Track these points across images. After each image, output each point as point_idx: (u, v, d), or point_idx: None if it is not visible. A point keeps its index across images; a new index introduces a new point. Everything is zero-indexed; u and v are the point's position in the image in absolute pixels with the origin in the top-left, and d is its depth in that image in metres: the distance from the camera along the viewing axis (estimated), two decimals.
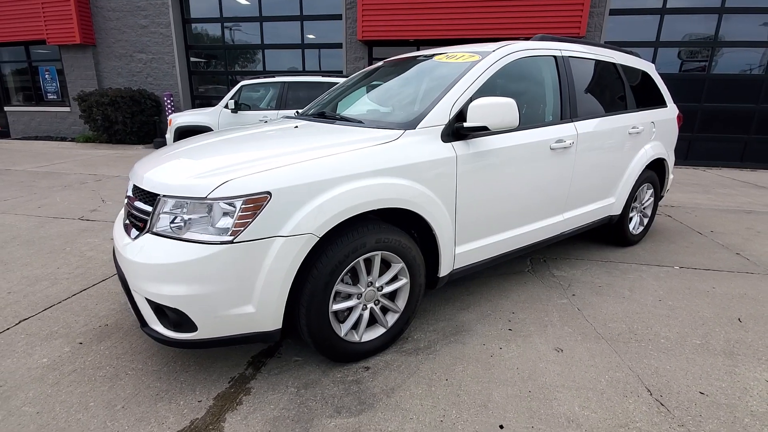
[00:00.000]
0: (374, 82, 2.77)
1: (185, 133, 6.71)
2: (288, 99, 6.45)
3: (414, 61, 2.73)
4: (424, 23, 7.95)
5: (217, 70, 10.32)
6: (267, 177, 1.63)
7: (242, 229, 1.59)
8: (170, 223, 1.69)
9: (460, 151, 2.10)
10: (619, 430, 1.62)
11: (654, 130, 3.49)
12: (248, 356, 2.07)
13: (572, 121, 2.74)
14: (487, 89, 2.28)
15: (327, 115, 2.55)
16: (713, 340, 2.26)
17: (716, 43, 7.92)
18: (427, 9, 7.88)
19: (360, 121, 2.25)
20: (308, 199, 1.68)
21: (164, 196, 1.70)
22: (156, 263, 1.63)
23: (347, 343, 1.94)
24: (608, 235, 3.60)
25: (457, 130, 2.10)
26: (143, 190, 1.89)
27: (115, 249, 2.05)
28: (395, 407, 1.73)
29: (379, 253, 1.92)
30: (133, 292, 1.77)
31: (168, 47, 9.71)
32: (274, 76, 6.57)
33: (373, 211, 1.91)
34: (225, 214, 1.60)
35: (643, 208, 3.73)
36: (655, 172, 3.73)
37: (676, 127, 3.85)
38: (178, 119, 6.73)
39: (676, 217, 4.76)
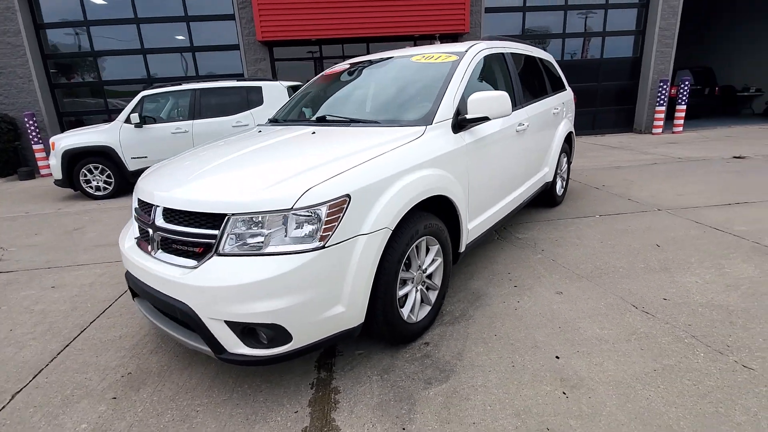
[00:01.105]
0: (359, 83, 2.91)
1: (77, 156, 5.76)
2: (202, 107, 5.99)
3: (392, 61, 2.93)
4: (326, 23, 8.05)
5: (87, 81, 8.86)
6: (342, 181, 1.72)
7: (330, 233, 1.66)
8: (246, 240, 1.66)
9: (467, 140, 2.41)
10: (632, 338, 2.14)
11: (564, 110, 4.29)
12: (312, 362, 2.11)
13: (522, 107, 3.27)
14: (472, 85, 2.63)
15: (331, 119, 2.60)
16: (650, 262, 3.01)
17: (564, 34, 9.68)
18: (327, 9, 7.99)
19: (375, 122, 2.40)
20: (378, 196, 1.81)
21: (235, 214, 1.65)
22: (244, 283, 1.59)
23: (408, 324, 2.12)
24: (543, 199, 4.32)
25: (460, 122, 2.40)
26: (185, 212, 1.78)
27: (143, 283, 1.88)
28: (471, 366, 1.99)
29: (425, 238, 2.13)
30: (204, 320, 1.68)
31: (20, 59, 8.00)
32: (180, 83, 6.01)
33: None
34: (311, 221, 1.64)
35: (563, 174, 4.55)
36: (567, 143, 4.57)
37: (574, 105, 4.76)
38: (64, 141, 5.73)
39: (573, 177, 5.85)
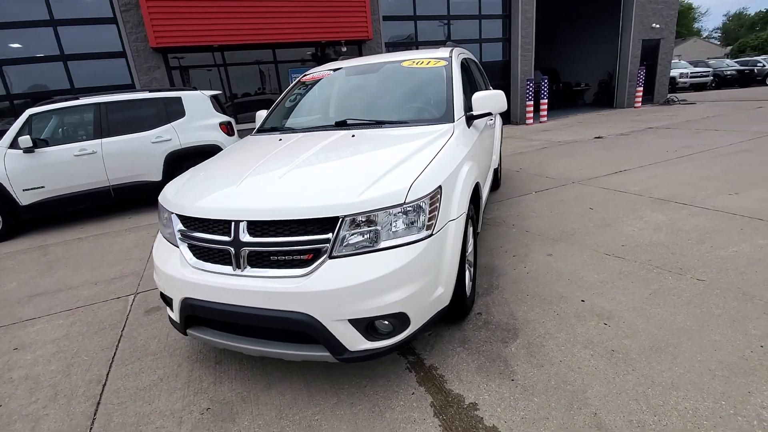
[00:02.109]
0: (359, 87, 3.03)
1: None
2: (110, 124, 5.20)
3: (386, 66, 3.10)
4: (229, 28, 7.62)
5: None
6: (432, 174, 1.90)
7: (434, 222, 1.83)
8: (359, 239, 1.72)
9: (475, 133, 2.77)
10: (621, 276, 2.76)
11: None
12: (394, 353, 2.21)
13: None
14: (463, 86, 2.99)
15: (352, 122, 2.66)
16: (595, 221, 3.78)
17: (449, 41, 10.85)
18: (230, 14, 7.56)
19: (404, 122, 2.58)
20: (454, 186, 2.04)
21: (348, 215, 1.70)
22: (372, 278, 1.67)
23: (467, 299, 2.39)
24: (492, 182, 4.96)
25: (468, 118, 2.74)
26: (284, 222, 1.75)
27: (224, 305, 1.77)
28: (527, 322, 2.35)
29: (470, 218, 2.42)
30: (327, 324, 1.70)
31: None
32: (78, 98, 5.12)
33: None
34: (419, 213, 1.79)
35: (499, 161, 5.27)
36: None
37: None
38: None
39: None
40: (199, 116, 5.69)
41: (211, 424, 1.83)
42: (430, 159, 2.00)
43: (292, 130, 2.78)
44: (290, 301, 1.70)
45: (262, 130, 3.05)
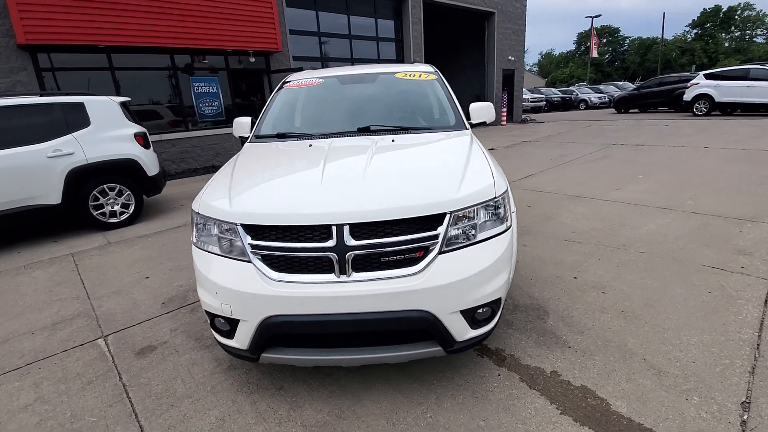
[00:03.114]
0: (364, 96, 3.07)
1: None
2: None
3: (383, 77, 3.20)
4: (118, 27, 6.58)
5: None
6: (499, 173, 2.12)
7: (508, 213, 2.05)
8: (461, 233, 1.84)
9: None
10: (594, 256, 3.37)
11: None
12: None
13: None
14: None
15: (376, 128, 2.67)
16: (539, 215, 4.46)
17: (352, 59, 11.28)
18: (119, 11, 6.54)
19: (427, 128, 2.72)
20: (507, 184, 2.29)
21: (453, 212, 1.80)
22: (480, 269, 1.80)
23: None
24: None
25: (469, 125, 3.04)
26: (391, 222, 1.75)
27: (328, 316, 1.69)
28: (546, 300, 2.72)
29: None
30: (443, 318, 1.75)
31: None
32: None
33: None
34: (502, 206, 1.98)
35: None
36: None
37: None
38: None
39: None
40: (108, 126, 4.82)
41: None
42: (484, 160, 2.22)
43: (311, 136, 2.68)
44: (409, 300, 1.71)
45: (263, 137, 2.86)
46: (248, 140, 2.91)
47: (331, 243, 1.73)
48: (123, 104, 5.08)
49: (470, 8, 13.71)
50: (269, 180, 2.09)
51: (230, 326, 1.88)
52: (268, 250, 1.79)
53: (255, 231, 1.82)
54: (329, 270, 1.75)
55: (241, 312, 1.79)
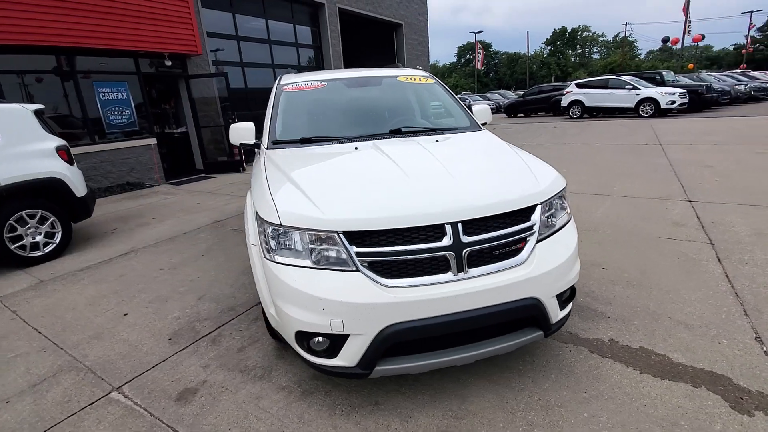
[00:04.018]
0: (381, 98, 3.04)
1: None
2: None
3: (386, 80, 3.21)
4: (9, 24, 5.35)
5: None
6: (553, 167, 2.30)
7: (567, 203, 2.24)
8: (547, 222, 1.97)
9: None
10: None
11: None
12: None
13: None
14: None
15: (408, 129, 2.65)
16: None
17: (274, 65, 10.81)
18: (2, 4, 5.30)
19: (453, 128, 2.80)
20: None
21: (542, 202, 1.92)
22: (570, 254, 1.95)
23: None
24: None
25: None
26: (495, 216, 1.80)
27: (446, 317, 1.69)
28: None
29: None
30: (546, 303, 1.85)
31: None
32: None
33: None
34: (565, 197, 2.15)
35: None
36: None
37: None
38: None
39: None
40: (22, 139, 3.91)
41: None
42: (529, 155, 2.39)
43: (342, 139, 2.57)
44: (521, 289, 1.78)
45: (282, 142, 2.65)
46: (264, 146, 2.66)
47: (446, 241, 1.72)
48: (37, 112, 4.17)
49: (381, 19, 14.21)
50: (349, 184, 1.97)
51: (333, 344, 1.73)
52: (377, 257, 1.70)
53: (357, 238, 1.71)
54: (444, 269, 1.73)
55: (354, 326, 1.66)
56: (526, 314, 1.82)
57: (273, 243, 1.82)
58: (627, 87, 15.57)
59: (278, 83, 3.18)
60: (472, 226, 1.76)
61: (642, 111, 15.08)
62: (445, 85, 3.35)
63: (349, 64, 13.21)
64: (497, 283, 1.74)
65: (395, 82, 3.27)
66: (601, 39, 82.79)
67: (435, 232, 1.73)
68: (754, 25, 43.24)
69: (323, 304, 1.67)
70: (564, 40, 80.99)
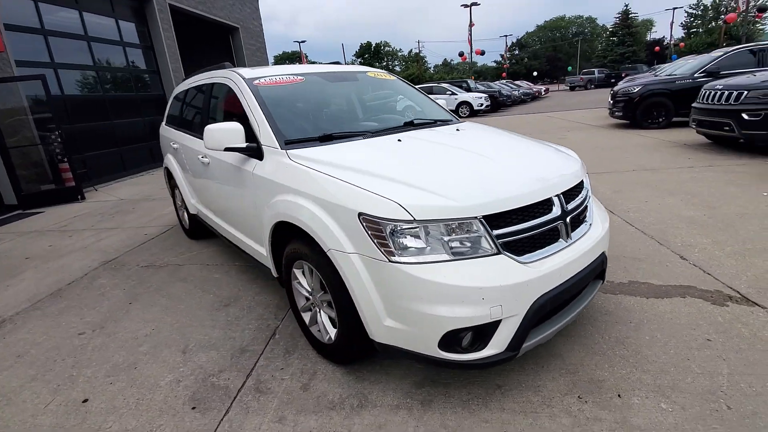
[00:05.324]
0: (372, 93, 2.88)
1: None
2: None
3: (361, 75, 3.10)
4: None
5: None
6: None
7: None
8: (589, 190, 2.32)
9: None
10: None
11: None
12: None
13: None
14: None
15: (420, 121, 2.65)
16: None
17: (96, 67, 8.63)
18: None
19: (448, 120, 2.91)
20: None
21: (585, 175, 2.25)
22: (605, 211, 2.35)
23: None
24: None
25: None
26: (576, 186, 2.05)
27: (568, 281, 1.86)
28: None
29: None
30: (606, 253, 2.20)
31: None
32: None
33: None
34: None
35: None
36: None
37: None
38: None
39: None
40: None
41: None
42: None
43: (365, 134, 2.42)
44: (600, 245, 2.08)
45: (297, 141, 2.32)
46: (276, 147, 2.27)
47: (556, 212, 1.87)
48: None
49: (216, 20, 13.00)
50: (444, 172, 1.92)
51: (482, 334, 1.68)
52: (510, 236, 1.73)
53: (493, 221, 1.71)
54: (556, 239, 1.88)
55: (510, 308, 1.66)
56: (602, 267, 2.12)
57: (402, 242, 1.64)
58: (448, 93, 18.34)
59: (251, 77, 2.71)
60: (567, 196, 1.96)
61: (461, 113, 17.99)
62: (405, 82, 3.45)
63: (188, 68, 11.67)
64: (590, 243, 1.99)
65: (369, 77, 3.20)
66: (400, 54, 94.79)
67: (546, 205, 1.86)
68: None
69: (483, 294, 1.60)
70: (371, 53, 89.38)
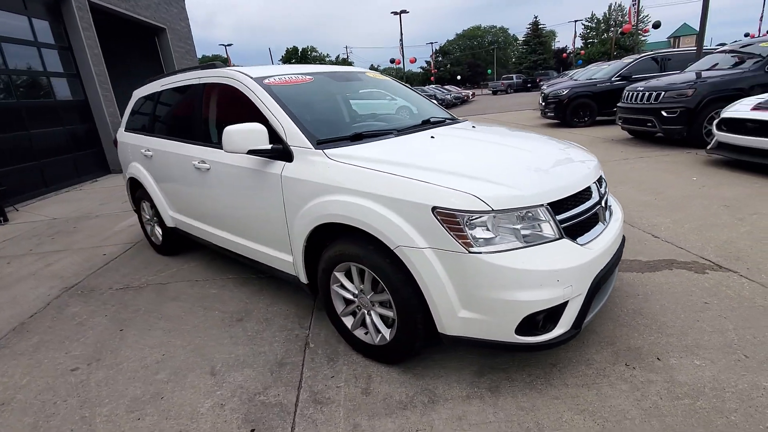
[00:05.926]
0: (379, 92, 2.85)
1: None
2: None
3: (361, 75, 3.07)
4: None
5: None
6: None
7: None
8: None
9: None
10: None
11: None
12: None
13: None
14: None
15: (435, 119, 2.72)
16: None
17: (9, 71, 7.44)
18: None
19: (453, 119, 2.99)
20: None
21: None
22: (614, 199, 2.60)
23: None
24: None
25: None
26: (600, 176, 2.25)
27: (609, 263, 2.04)
28: None
29: None
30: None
31: None
32: None
33: None
34: None
35: None
36: None
37: None
38: None
39: None
40: None
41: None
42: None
43: (391, 132, 2.43)
44: (622, 228, 2.29)
45: (328, 141, 2.25)
46: (309, 146, 2.18)
47: (596, 197, 2.04)
48: None
49: (141, 20, 11.91)
50: (493, 165, 2.00)
51: (554, 316, 1.78)
52: (569, 221, 1.86)
53: (554, 208, 1.82)
54: (596, 222, 2.05)
55: (578, 288, 1.78)
56: (623, 248, 2.34)
57: (478, 233, 1.68)
58: (388, 97, 18.71)
59: (259, 76, 2.56)
60: (599, 184, 2.15)
61: None
62: (395, 80, 3.51)
63: (114, 73, 10.57)
64: (619, 224, 2.19)
65: (369, 77, 3.20)
66: (327, 59, 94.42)
67: (587, 192, 2.02)
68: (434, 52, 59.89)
69: (558, 276, 1.70)
70: (297, 58, 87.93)
